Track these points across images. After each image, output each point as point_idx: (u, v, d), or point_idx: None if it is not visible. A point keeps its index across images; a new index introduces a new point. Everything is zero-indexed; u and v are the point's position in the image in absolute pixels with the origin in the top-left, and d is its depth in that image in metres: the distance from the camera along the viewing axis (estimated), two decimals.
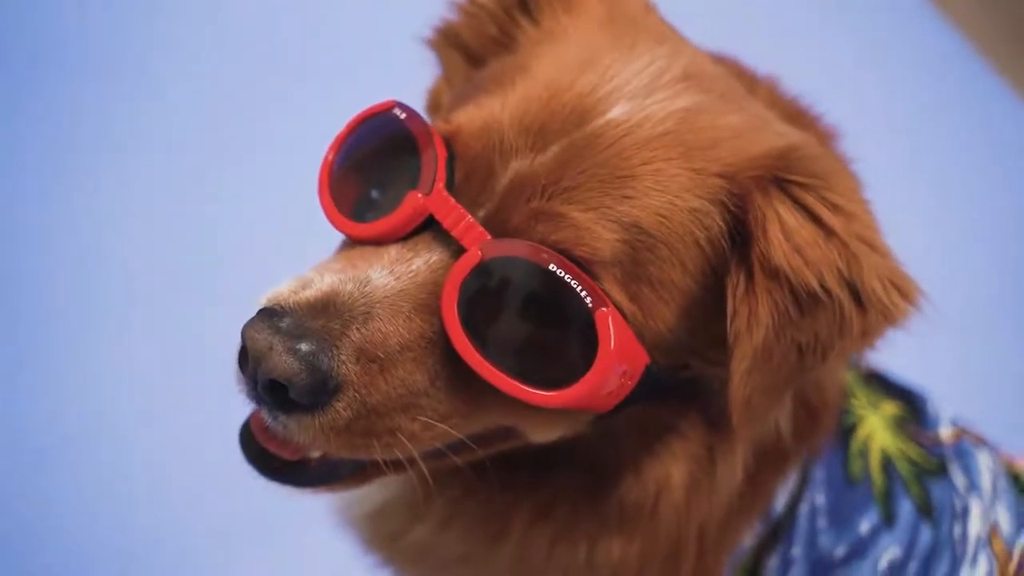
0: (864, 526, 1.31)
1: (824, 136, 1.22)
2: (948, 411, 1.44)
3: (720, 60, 1.22)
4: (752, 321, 1.03)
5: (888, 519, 1.31)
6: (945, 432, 1.41)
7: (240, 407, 2.17)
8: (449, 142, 1.07)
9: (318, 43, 2.98)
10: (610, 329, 1.00)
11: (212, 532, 2.20)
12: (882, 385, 1.42)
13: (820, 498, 1.30)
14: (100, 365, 2.39)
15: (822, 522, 1.30)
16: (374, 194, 1.10)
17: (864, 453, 1.34)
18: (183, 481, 2.24)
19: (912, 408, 1.41)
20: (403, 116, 1.09)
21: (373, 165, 1.12)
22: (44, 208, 2.61)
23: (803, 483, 1.31)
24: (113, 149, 2.71)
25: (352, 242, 1.10)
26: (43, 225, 2.59)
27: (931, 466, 1.36)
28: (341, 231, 1.09)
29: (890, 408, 1.39)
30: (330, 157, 1.12)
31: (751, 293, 1.03)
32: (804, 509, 1.30)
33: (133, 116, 2.78)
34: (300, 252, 2.43)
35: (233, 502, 2.17)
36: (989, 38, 3.33)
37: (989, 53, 3.30)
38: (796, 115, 1.21)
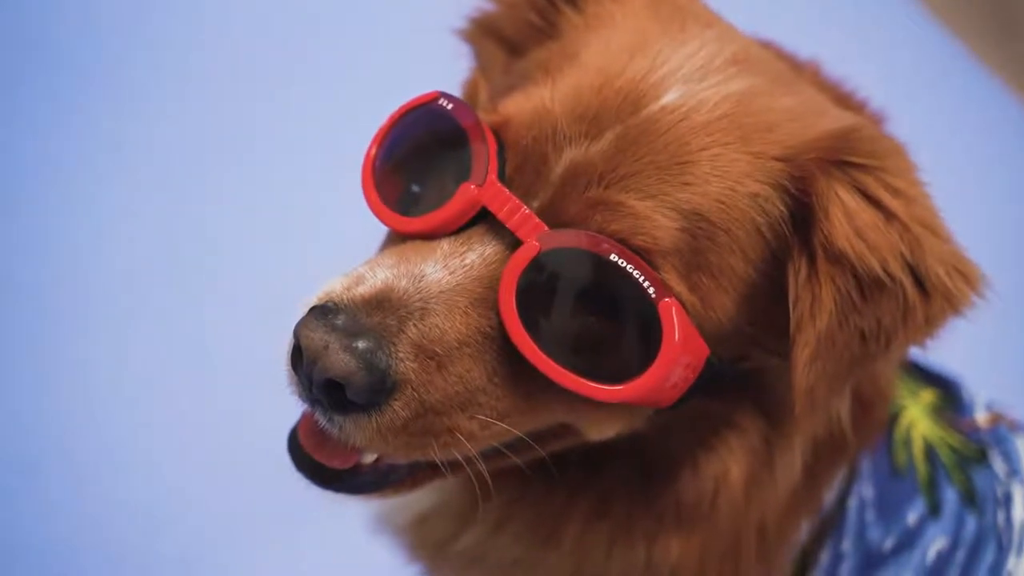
0: (911, 517, 1.29)
1: (873, 120, 1.19)
2: (982, 396, 1.42)
3: (763, 45, 1.19)
4: (815, 307, 1.01)
5: (934, 509, 1.29)
6: (981, 417, 1.38)
7: (237, 409, 2.24)
8: (498, 133, 1.04)
9: (319, 44, 2.96)
10: (674, 320, 0.98)
11: (209, 534, 2.18)
12: (917, 372, 1.39)
13: (868, 490, 1.28)
14: (98, 367, 2.37)
15: (870, 515, 1.28)
16: (420, 188, 1.08)
17: (907, 442, 1.32)
18: (181, 483, 2.23)
19: (948, 395, 1.39)
20: (450, 106, 1.06)
21: (419, 158, 1.09)
22: (43, 209, 2.60)
23: (851, 476, 1.28)
24: (112, 149, 2.70)
25: (399, 237, 1.07)
26: (41, 226, 2.58)
27: (972, 453, 1.34)
28: (389, 226, 1.07)
29: (927, 396, 1.37)
30: (373, 151, 1.09)
31: (814, 278, 1.01)
32: (853, 502, 1.28)
33: (132, 116, 2.76)
34: (301, 253, 2.48)
35: (233, 503, 2.18)
36: (978, 35, 3.32)
37: (978, 50, 3.30)
38: (842, 99, 1.19)
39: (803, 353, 1.01)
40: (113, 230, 2.56)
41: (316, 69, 2.89)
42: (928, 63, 3.22)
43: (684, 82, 1.04)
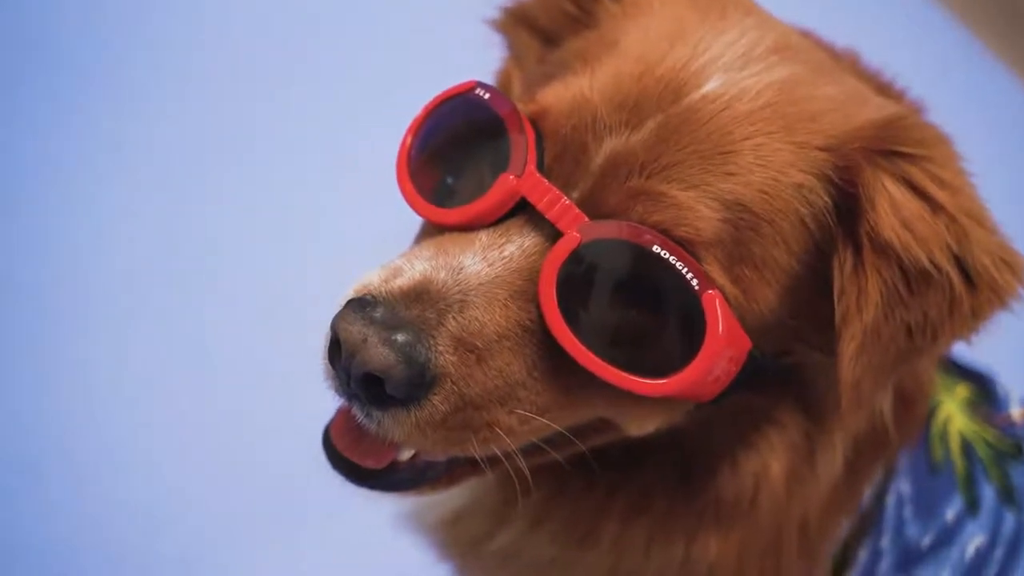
0: (950, 514, 1.27)
1: (913, 110, 1.16)
2: (1016, 391, 1.40)
3: (802, 34, 1.17)
4: (862, 299, 0.99)
5: (972, 506, 1.28)
6: (1016, 412, 1.37)
7: (237, 409, 2.26)
8: (536, 122, 1.03)
9: (318, 44, 2.95)
10: (718, 312, 0.96)
11: (209, 534, 2.18)
12: (951, 367, 1.37)
13: (905, 487, 1.27)
14: (98, 367, 2.37)
15: (908, 511, 1.26)
16: (456, 179, 1.06)
17: (944, 438, 1.30)
18: (181, 483, 2.23)
19: (982, 389, 1.37)
20: (487, 96, 1.04)
21: (455, 148, 1.07)
22: (42, 208, 2.60)
23: (889, 472, 1.26)
24: (112, 149, 2.70)
25: (434, 229, 1.05)
26: (41, 226, 2.58)
27: (1008, 448, 1.32)
28: (425, 217, 1.05)
29: (962, 391, 1.35)
30: (408, 141, 1.07)
31: (860, 270, 0.99)
32: (891, 499, 1.26)
33: (132, 116, 2.76)
34: (301, 253, 2.47)
35: (233, 503, 2.19)
36: (989, 26, 3.30)
37: (989, 42, 3.29)
38: (882, 88, 1.17)
39: (849, 346, 0.99)
40: (113, 230, 2.56)
41: (316, 69, 2.89)
42: (938, 55, 3.20)
43: (725, 70, 1.03)
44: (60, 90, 2.78)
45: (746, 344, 1.00)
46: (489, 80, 1.22)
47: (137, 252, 2.54)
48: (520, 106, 1.04)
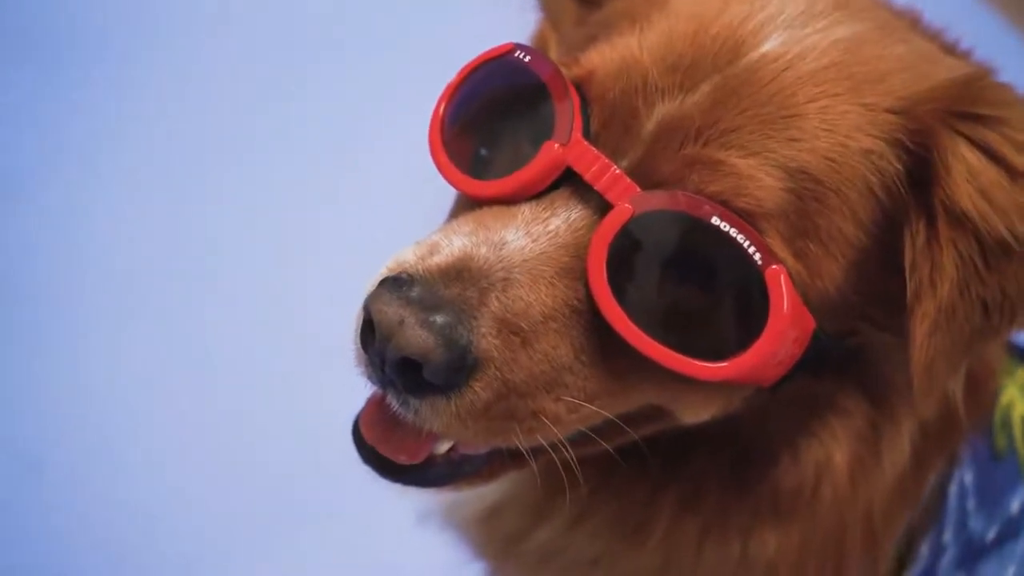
0: (1015, 505, 1.20)
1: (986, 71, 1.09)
2: None
3: None
4: (936, 274, 0.92)
5: None
6: None
7: (237, 409, 2.24)
8: (580, 87, 0.95)
9: (321, 43, 2.93)
10: (783, 289, 0.89)
11: (209, 534, 2.16)
12: (1010, 349, 1.29)
13: (968, 477, 1.19)
14: (98, 367, 2.35)
15: (971, 503, 1.19)
16: (495, 149, 0.99)
17: (1007, 424, 1.22)
18: (181, 483, 2.21)
19: None
20: (527, 59, 0.97)
21: (493, 116, 1.00)
22: (42, 208, 2.59)
23: (951, 461, 1.18)
24: (111, 149, 2.68)
25: (470, 203, 0.98)
26: (41, 226, 2.57)
27: None
28: (461, 190, 0.98)
29: (1023, 374, 1.26)
30: (441, 110, 1.00)
31: (934, 242, 0.92)
32: (953, 489, 1.18)
33: (132, 116, 2.75)
34: (302, 253, 2.44)
35: (233, 503, 2.17)
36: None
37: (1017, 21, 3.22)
38: (946, 50, 1.09)
39: (922, 325, 0.92)
40: (113, 230, 2.55)
41: (319, 68, 2.86)
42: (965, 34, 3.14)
43: (786, 27, 0.95)
44: (61, 88, 2.78)
45: (810, 324, 0.93)
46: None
47: (137, 252, 2.52)
48: (564, 69, 0.96)
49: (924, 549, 1.18)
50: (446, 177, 0.98)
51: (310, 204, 2.55)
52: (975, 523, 1.19)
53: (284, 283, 2.41)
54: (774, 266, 0.89)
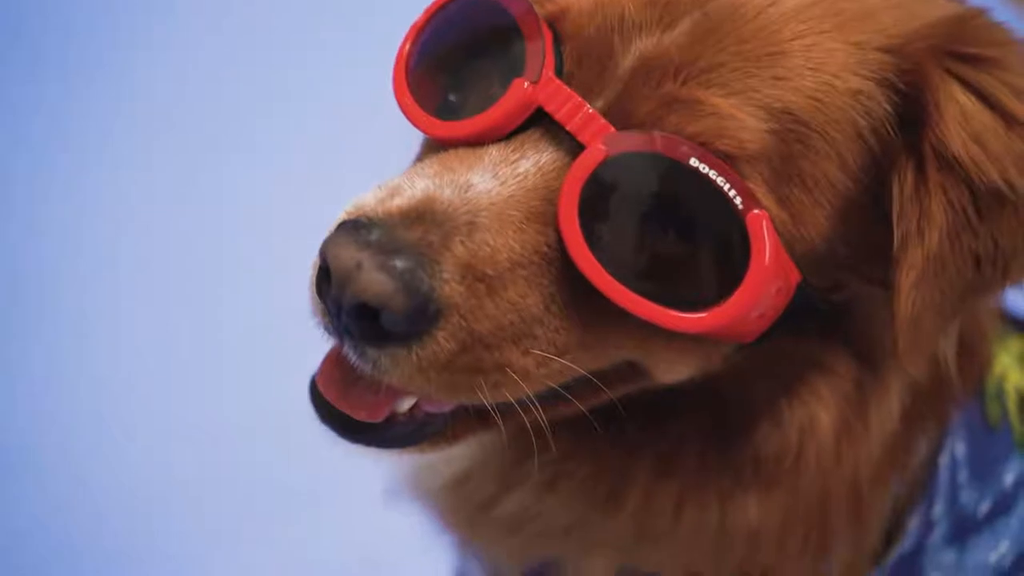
0: (1008, 477, 1.15)
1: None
2: None
3: None
4: (923, 222, 0.88)
5: None
6: None
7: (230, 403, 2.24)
8: (554, 24, 0.91)
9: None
10: (765, 236, 0.85)
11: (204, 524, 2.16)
12: (1003, 317, 1.25)
13: (960, 448, 1.14)
14: (98, 369, 2.38)
15: (963, 475, 1.14)
16: (464, 90, 0.94)
17: (1000, 395, 1.18)
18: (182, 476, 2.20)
19: None
20: None
21: (461, 55, 0.95)
22: (39, 196, 2.62)
23: (943, 430, 1.13)
24: (112, 147, 2.71)
25: (437, 147, 0.93)
26: (37, 214, 2.60)
27: None
28: (425, 132, 0.93)
29: (1017, 344, 1.23)
30: (406, 48, 0.96)
31: (922, 188, 0.88)
32: (945, 460, 1.14)
33: (129, 111, 2.79)
34: (301, 252, 2.42)
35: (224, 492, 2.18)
36: None
37: None
38: None
39: (908, 276, 0.88)
40: (104, 223, 2.59)
41: (323, 44, 2.88)
42: None
43: None
44: (71, 74, 2.83)
45: (795, 275, 0.89)
46: None
47: (131, 242, 2.55)
48: (535, 7, 0.92)
49: (913, 523, 1.13)
50: (410, 119, 0.93)
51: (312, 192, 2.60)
52: (967, 497, 1.15)
53: (285, 281, 2.45)
54: (756, 211, 0.84)
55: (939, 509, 1.13)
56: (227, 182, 2.64)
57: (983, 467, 1.15)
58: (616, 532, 1.07)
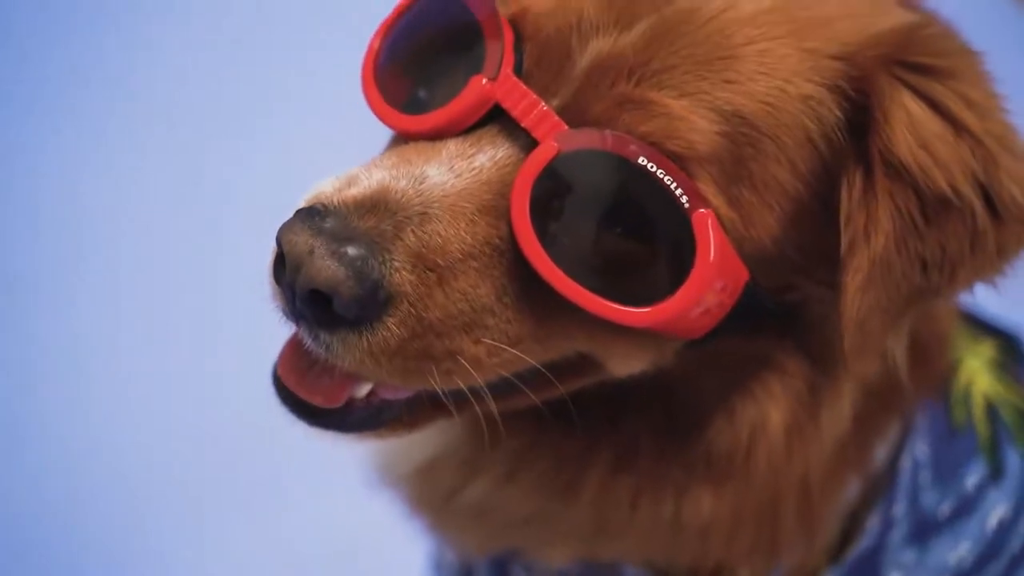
0: (970, 481, 1.18)
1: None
2: None
3: None
4: (870, 226, 0.89)
5: (996, 472, 1.19)
6: None
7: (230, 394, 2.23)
8: (516, 24, 0.93)
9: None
10: (710, 234, 0.86)
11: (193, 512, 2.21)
12: (976, 322, 1.27)
13: (923, 450, 1.17)
14: (90, 359, 2.43)
15: (925, 477, 1.16)
16: (428, 88, 0.96)
17: (967, 399, 1.21)
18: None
19: (1009, 348, 1.28)
20: None
21: (427, 53, 0.98)
22: (36, 193, 2.65)
23: (905, 432, 1.16)
24: (114, 148, 2.73)
25: (402, 139, 0.95)
26: (35, 211, 2.64)
27: None
28: (389, 125, 0.96)
29: (987, 349, 1.25)
30: (376, 44, 0.98)
31: (870, 193, 0.89)
32: (906, 462, 1.16)
33: (126, 112, 2.82)
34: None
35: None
36: None
37: None
38: (908, 3, 1.05)
39: (854, 279, 0.90)
40: (96, 217, 2.61)
41: (322, 44, 2.82)
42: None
43: None
44: (65, 75, 2.85)
45: (743, 275, 0.91)
46: None
47: (129, 247, 2.58)
48: (501, 7, 0.94)
49: (873, 522, 1.15)
50: (375, 111, 0.96)
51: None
52: (928, 498, 1.17)
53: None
54: (702, 210, 0.86)
55: (900, 509, 1.15)
56: (225, 180, 2.66)
57: (945, 469, 1.17)
58: (574, 523, 1.09)
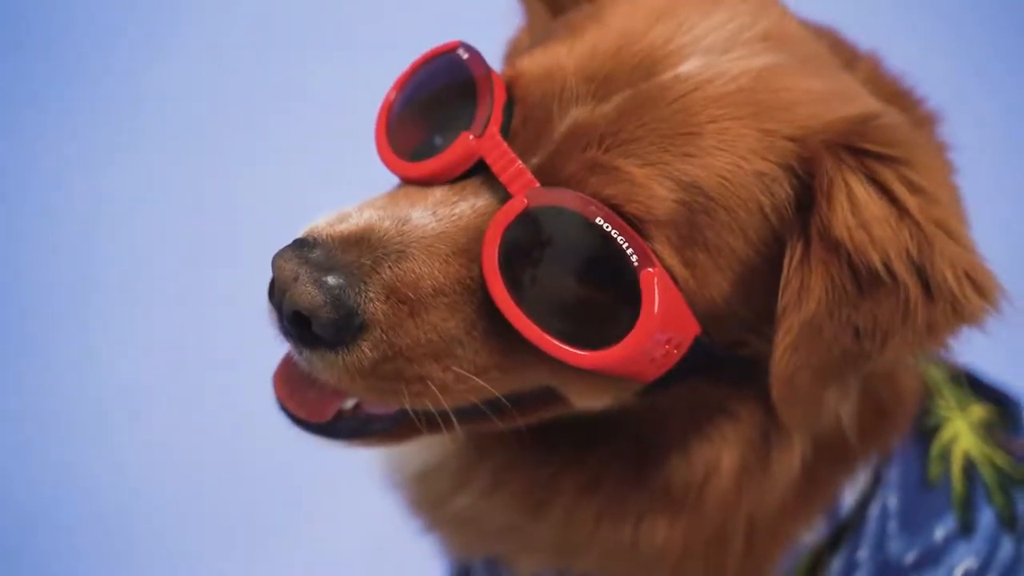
0: (939, 532, 1.24)
1: (924, 119, 1.14)
2: None
3: (817, 30, 1.14)
4: (803, 292, 0.98)
5: (966, 528, 1.24)
6: None
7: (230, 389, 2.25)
8: (511, 86, 1.03)
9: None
10: (655, 291, 0.95)
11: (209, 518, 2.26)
12: (973, 386, 1.33)
13: (892, 500, 1.23)
14: (93, 361, 2.47)
15: (893, 526, 1.23)
16: (432, 137, 1.07)
17: (946, 456, 1.26)
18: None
19: (1005, 413, 1.33)
20: (466, 56, 1.05)
21: (432, 106, 1.08)
22: (45, 193, 2.70)
23: (875, 483, 1.23)
24: (117, 147, 2.79)
25: (404, 183, 1.06)
26: (45, 210, 2.68)
27: (1019, 475, 1.28)
28: (391, 170, 1.06)
29: (979, 411, 1.31)
30: (391, 97, 1.09)
31: (806, 264, 0.98)
32: (874, 511, 1.23)
33: (137, 114, 2.87)
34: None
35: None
36: None
37: None
38: (896, 95, 1.14)
39: (784, 339, 0.99)
40: (105, 218, 2.64)
41: (328, 45, 2.94)
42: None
43: (706, 52, 1.01)
44: (86, 62, 2.91)
45: (692, 329, 1.00)
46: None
47: (134, 235, 2.64)
48: (506, 69, 1.05)
49: (835, 564, 1.22)
50: (380, 156, 1.07)
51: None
52: (894, 545, 1.23)
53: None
54: (649, 269, 0.95)
55: (863, 554, 1.22)
56: (233, 182, 2.69)
57: (914, 520, 1.24)
58: (542, 538, 1.20)
